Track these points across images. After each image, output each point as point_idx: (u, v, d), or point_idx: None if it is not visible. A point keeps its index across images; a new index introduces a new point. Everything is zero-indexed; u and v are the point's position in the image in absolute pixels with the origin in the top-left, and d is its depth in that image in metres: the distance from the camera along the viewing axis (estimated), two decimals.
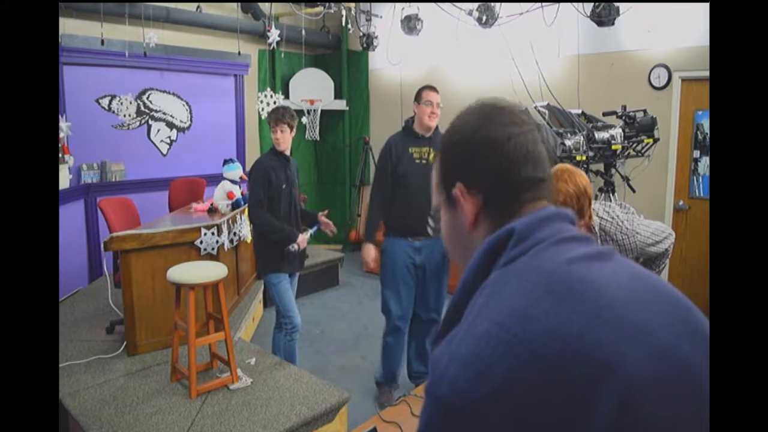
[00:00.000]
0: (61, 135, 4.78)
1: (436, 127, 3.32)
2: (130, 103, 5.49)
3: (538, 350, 0.61)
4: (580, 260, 0.71)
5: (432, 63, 6.27)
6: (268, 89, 6.54)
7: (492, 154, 0.80)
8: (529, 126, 0.84)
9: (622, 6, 4.19)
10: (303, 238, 3.32)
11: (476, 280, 0.75)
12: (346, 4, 5.91)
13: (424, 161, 3.26)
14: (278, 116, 3.27)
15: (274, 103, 6.31)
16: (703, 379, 0.65)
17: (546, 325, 0.63)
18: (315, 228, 3.47)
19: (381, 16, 6.32)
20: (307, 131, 6.78)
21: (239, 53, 5.88)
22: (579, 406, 0.60)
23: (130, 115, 5.51)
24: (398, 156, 3.27)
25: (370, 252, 3.33)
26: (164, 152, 5.85)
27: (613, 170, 3.99)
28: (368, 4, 6.08)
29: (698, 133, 4.61)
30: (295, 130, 3.36)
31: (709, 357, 0.68)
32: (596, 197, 4.05)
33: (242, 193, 4.16)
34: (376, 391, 3.60)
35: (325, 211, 3.57)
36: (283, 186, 3.31)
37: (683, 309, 0.71)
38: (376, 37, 6.05)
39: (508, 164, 0.80)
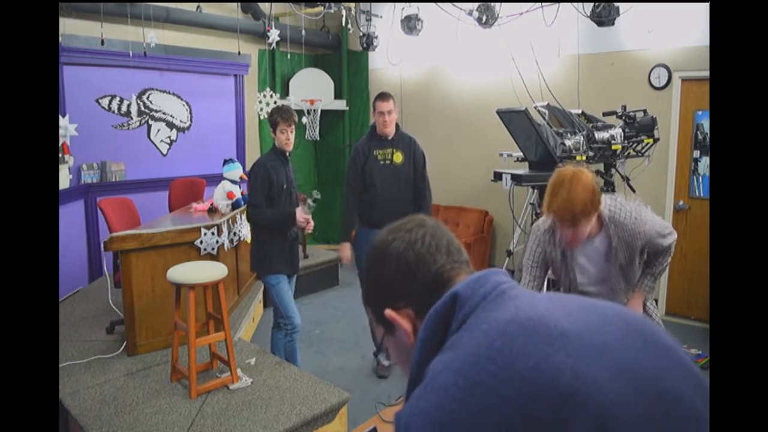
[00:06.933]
0: (66, 134, 4.78)
1: (398, 129, 3.66)
2: (130, 103, 5.49)
3: (497, 389, 0.61)
4: (527, 304, 0.72)
5: (432, 63, 6.26)
6: (268, 89, 6.54)
7: (405, 262, 0.82)
8: (430, 223, 0.87)
9: (622, 6, 4.19)
10: (302, 213, 3.22)
11: (431, 346, 0.75)
12: (346, 4, 5.91)
13: (388, 161, 3.64)
14: (290, 115, 3.27)
15: (275, 103, 6.31)
16: (670, 384, 0.65)
17: (502, 363, 0.63)
18: (313, 200, 3.32)
19: (381, 16, 6.32)
20: (307, 131, 6.78)
21: (239, 53, 5.88)
22: None
23: (137, 114, 5.52)
24: (365, 158, 3.64)
25: (346, 251, 3.70)
26: (164, 152, 5.85)
27: (613, 170, 3.99)
28: (368, 4, 6.08)
29: (698, 133, 4.60)
30: None
31: (673, 362, 0.68)
32: None
33: (242, 193, 4.15)
34: (373, 362, 4.00)
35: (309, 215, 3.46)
36: (284, 186, 3.30)
37: (638, 323, 0.72)
38: (376, 37, 6.04)
39: (423, 263, 0.82)
